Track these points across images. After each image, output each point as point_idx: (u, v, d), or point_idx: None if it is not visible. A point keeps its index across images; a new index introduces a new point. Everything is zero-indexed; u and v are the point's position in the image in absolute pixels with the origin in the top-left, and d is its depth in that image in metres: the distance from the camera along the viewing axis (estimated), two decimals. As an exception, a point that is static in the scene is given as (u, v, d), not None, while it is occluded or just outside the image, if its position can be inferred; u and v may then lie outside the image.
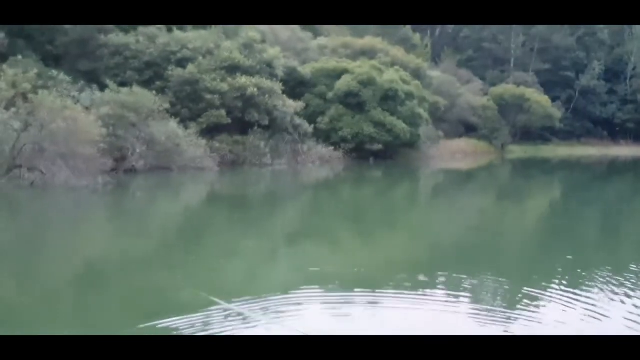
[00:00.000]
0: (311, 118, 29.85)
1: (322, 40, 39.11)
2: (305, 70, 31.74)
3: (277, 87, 26.52)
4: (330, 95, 31.08)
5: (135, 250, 9.79)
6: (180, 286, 7.19)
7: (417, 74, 37.64)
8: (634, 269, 8.38)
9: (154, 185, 19.62)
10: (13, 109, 17.06)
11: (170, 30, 27.38)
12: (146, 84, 24.21)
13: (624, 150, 60.84)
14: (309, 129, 28.70)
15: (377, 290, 7.09)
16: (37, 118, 16.72)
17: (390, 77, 32.03)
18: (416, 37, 53.95)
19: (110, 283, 7.56)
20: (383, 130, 30.97)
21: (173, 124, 22.34)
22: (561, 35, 67.35)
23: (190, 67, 24.92)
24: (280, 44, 32.32)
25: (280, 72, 28.14)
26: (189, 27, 28.98)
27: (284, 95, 27.14)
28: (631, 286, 7.46)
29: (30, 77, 18.23)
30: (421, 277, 7.94)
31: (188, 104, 25.00)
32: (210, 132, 25.07)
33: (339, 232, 12.43)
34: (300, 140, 28.48)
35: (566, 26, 67.31)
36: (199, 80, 24.80)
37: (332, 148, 30.23)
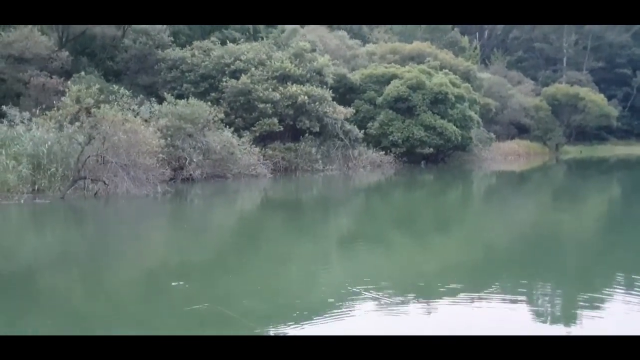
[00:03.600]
0: (361, 123, 30.08)
1: (370, 47, 39.36)
2: (355, 77, 32.01)
3: (327, 94, 26.86)
4: (379, 100, 31.21)
5: (191, 254, 10.23)
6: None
7: (466, 77, 37.32)
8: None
9: (210, 192, 20.22)
10: (77, 124, 17.84)
11: (224, 43, 28.24)
12: (202, 95, 25.05)
13: (688, 148, 58.28)
14: (359, 134, 28.90)
15: (432, 296, 7.18)
16: (99, 131, 17.48)
17: (439, 80, 31.89)
18: (464, 40, 53.47)
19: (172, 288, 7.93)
20: (434, 133, 30.86)
21: (227, 133, 22.96)
22: (615, 32, 65.36)
23: (243, 78, 25.58)
24: (330, 52, 32.73)
25: (329, 80, 28.50)
26: (242, 39, 29.80)
27: (334, 102, 27.46)
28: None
29: (92, 93, 19.04)
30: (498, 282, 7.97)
31: (242, 114, 25.65)
32: (263, 140, 25.64)
33: (395, 236, 12.55)
34: (350, 145, 28.70)
35: (621, 22, 65.26)
36: (251, 90, 25.42)
37: (382, 153, 30.32)
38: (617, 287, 7.50)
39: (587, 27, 63.21)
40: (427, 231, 13.06)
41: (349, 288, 7.35)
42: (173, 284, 7.54)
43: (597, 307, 6.64)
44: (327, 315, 6.31)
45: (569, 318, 6.35)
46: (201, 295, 7.05)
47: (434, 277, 8.15)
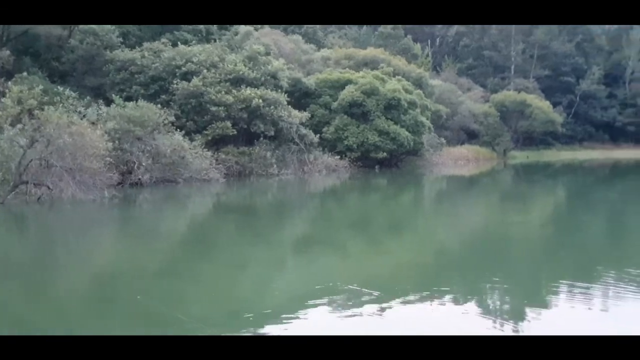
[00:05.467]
0: (316, 128, 30.00)
1: (325, 52, 39.37)
2: (310, 81, 31.89)
3: (282, 98, 26.65)
4: (334, 105, 31.22)
5: (142, 261, 9.84)
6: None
7: (418, 83, 37.82)
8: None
9: (160, 197, 19.67)
10: (19, 126, 17.08)
11: (175, 45, 27.63)
12: (151, 97, 24.41)
13: (626, 153, 60.82)
14: (315, 138, 28.79)
15: (386, 298, 7.11)
16: (43, 134, 16.76)
17: (392, 86, 32.17)
18: (417, 47, 54.24)
19: (120, 294, 7.59)
20: (387, 138, 31.08)
21: (178, 137, 22.42)
22: (559, 42, 67.67)
23: (195, 80, 25.08)
24: (284, 55, 32.52)
25: (284, 84, 28.29)
26: (194, 41, 29.24)
27: (289, 106, 27.27)
28: (635, 289, 7.50)
29: (35, 94, 18.32)
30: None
31: (193, 117, 25.13)
32: (216, 143, 25.18)
33: (349, 240, 12.46)
34: (306, 150, 28.55)
35: (564, 32, 67.67)
36: (203, 92, 24.95)
37: (338, 157, 30.35)
38: (562, 287, 7.61)
39: (534, 36, 65.25)
40: (381, 234, 13.04)
41: (303, 292, 7.25)
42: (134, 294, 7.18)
43: (544, 306, 6.77)
44: (280, 319, 6.21)
45: (518, 317, 6.37)
46: (150, 303, 6.73)
47: (387, 279, 8.13)
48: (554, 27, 69.45)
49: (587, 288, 7.51)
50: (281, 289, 7.93)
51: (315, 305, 6.72)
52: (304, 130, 28.25)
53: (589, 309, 6.67)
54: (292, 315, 6.37)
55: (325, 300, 6.89)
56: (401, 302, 6.86)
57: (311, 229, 14.21)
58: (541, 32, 66.65)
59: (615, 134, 68.36)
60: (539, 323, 6.17)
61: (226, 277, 8.54)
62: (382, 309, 6.56)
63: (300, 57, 35.58)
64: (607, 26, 72.41)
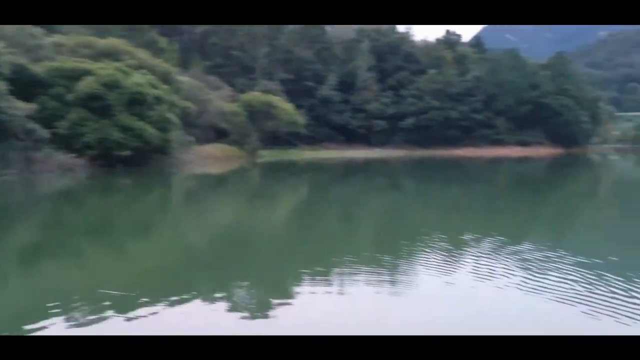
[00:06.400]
0: (48, 122, 26.92)
1: (58, 38, 35.62)
2: (38, 69, 28.48)
3: (2, 86, 23.26)
4: (70, 97, 28.42)
5: None
6: None
7: (165, 79, 36.74)
8: (379, 256, 9.19)
9: None
10: None
11: None
12: None
13: (358, 153, 68.08)
14: (45, 134, 25.82)
15: (129, 306, 6.50)
16: None
17: (137, 80, 30.61)
18: (163, 41, 52.80)
19: None
20: (132, 135, 29.44)
21: None
22: (301, 48, 72.55)
23: None
24: (5, 38, 28.48)
25: (5, 70, 24.75)
26: None
27: (11, 97, 23.93)
28: (365, 271, 8.13)
29: None
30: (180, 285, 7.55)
31: None
32: None
33: (86, 247, 11.26)
34: (34, 146, 25.41)
35: (305, 40, 72.75)
36: None
37: (74, 155, 27.66)
38: (305, 276, 7.90)
39: (279, 40, 68.73)
40: (124, 238, 12.08)
41: (32, 307, 6.53)
42: None
43: (288, 296, 6.96)
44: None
45: (265, 308, 6.39)
46: None
47: (130, 286, 7.44)
48: (297, 34, 74.26)
49: (326, 275, 7.93)
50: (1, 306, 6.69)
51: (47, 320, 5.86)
52: (31, 125, 25.11)
53: (328, 292, 7.08)
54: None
55: (57, 318, 6.05)
56: (144, 308, 6.41)
57: (39, 237, 12.50)
58: (285, 37, 70.65)
59: (349, 136, 75.99)
60: (285, 311, 6.39)
61: None
62: (125, 317, 5.94)
63: (27, 41, 31.56)
64: (343, 37, 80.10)
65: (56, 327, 5.84)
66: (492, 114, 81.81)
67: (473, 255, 9.34)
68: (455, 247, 10.17)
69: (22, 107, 24.15)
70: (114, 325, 5.87)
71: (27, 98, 25.62)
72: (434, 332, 5.65)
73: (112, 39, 38.23)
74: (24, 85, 26.94)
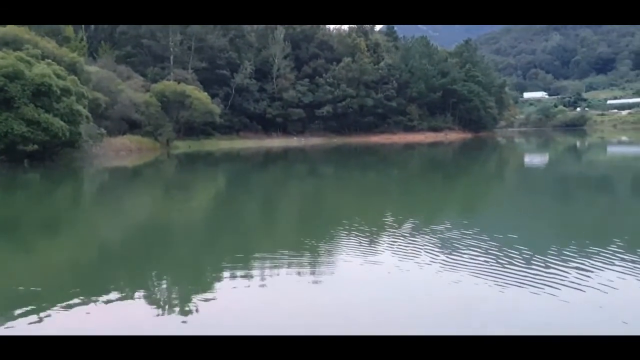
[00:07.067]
0: (-59, 116, 25.09)
1: (-51, 25, 33.14)
2: None
3: None
4: (-34, 89, 26.58)
5: None
6: None
7: (73, 69, 35.11)
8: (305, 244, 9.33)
9: None
10: None
11: None
12: None
13: (276, 142, 68.10)
14: (-60, 129, 24.03)
15: (48, 304, 6.29)
16: None
17: (41, 70, 29.03)
18: (69, 30, 50.33)
19: None
20: (38, 129, 27.96)
21: None
22: (215, 36, 71.24)
23: None
24: None
25: None
26: None
27: None
28: (285, 263, 8.28)
29: None
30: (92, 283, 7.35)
31: None
32: None
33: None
34: None
35: (219, 27, 71.50)
36: None
37: (-27, 151, 25.97)
38: (225, 269, 7.88)
39: (191, 28, 67.11)
40: (33, 236, 11.53)
41: None
42: None
43: (208, 289, 6.96)
44: None
45: (185, 302, 6.34)
46: None
47: (40, 284, 7.20)
48: (209, 22, 72.93)
49: (248, 266, 7.93)
50: None
51: None
52: None
53: (248, 286, 7.01)
54: None
55: None
56: (55, 306, 6.18)
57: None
58: (197, 25, 69.15)
59: (266, 125, 75.72)
60: (208, 307, 6.28)
61: None
62: (41, 316, 5.69)
63: None
64: (256, 25, 79.41)
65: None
66: (405, 100, 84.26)
67: (393, 237, 9.73)
68: (376, 229, 10.54)
69: None
70: (22, 324, 5.67)
71: None
72: (361, 314, 5.89)
73: (13, 26, 35.97)
74: None
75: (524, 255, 7.99)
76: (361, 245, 9.07)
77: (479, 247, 8.61)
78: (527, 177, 23.98)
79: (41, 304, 6.31)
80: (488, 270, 7.29)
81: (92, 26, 65.56)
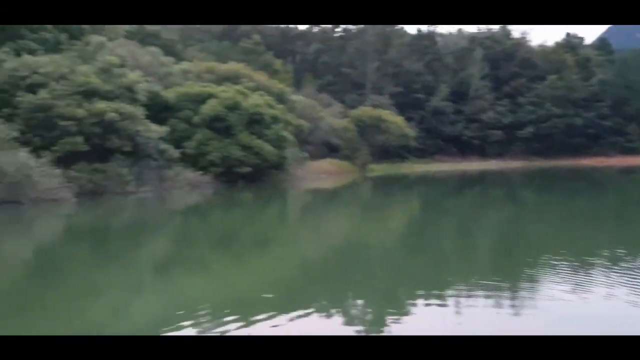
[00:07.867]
0: (177, 143, 29.12)
1: (185, 65, 38.44)
2: (169, 95, 30.93)
3: (140, 112, 25.54)
4: (196, 119, 30.56)
5: None
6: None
7: (280, 98, 38.26)
8: (494, 279, 9.08)
9: (1, 221, 17.82)
10: None
11: (18, 55, 25.41)
12: (-9, 112, 22.21)
13: (472, 165, 66.25)
14: (176, 154, 27.90)
15: (251, 316, 6.97)
16: None
17: (255, 101, 32.23)
18: (278, 63, 55.01)
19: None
20: (251, 153, 30.99)
21: (23, 154, 20.57)
22: (411, 61, 72.20)
23: (42, 93, 23.22)
24: (141, 68, 31.22)
25: (142, 97, 27.14)
26: (40, 51, 27.12)
27: (147, 120, 26.19)
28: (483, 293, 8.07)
29: None
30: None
31: (40, 132, 23.23)
32: (66, 160, 23.42)
33: (213, 259, 12.12)
34: (166, 165, 27.55)
35: (415, 52, 72.40)
36: (51, 106, 23.15)
37: (200, 172, 29.62)
38: (419, 298, 7.93)
39: (388, 55, 69.02)
40: (246, 251, 12.83)
41: (161, 316, 6.95)
42: None
43: (404, 313, 7.06)
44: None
45: (380, 323, 6.53)
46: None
47: (252, 297, 7.98)
48: (406, 47, 74.21)
49: (440, 296, 7.88)
50: (137, 314, 7.45)
51: (178, 330, 6.37)
52: (163, 145, 27.28)
53: (443, 315, 6.98)
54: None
55: (187, 324, 6.56)
56: (266, 321, 6.73)
57: (172, 249, 13.61)
58: (395, 50, 70.82)
59: (462, 147, 74.13)
60: (399, 329, 6.37)
61: (75, 305, 7.85)
62: (244, 328, 6.38)
63: (159, 69, 34.40)
64: (454, 46, 78.78)
65: (186, 331, 6.32)
66: (623, 119, 76.25)
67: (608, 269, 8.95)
68: (587, 263, 9.79)
69: (156, 130, 26.34)
70: (233, 327, 6.34)
71: (159, 121, 27.93)
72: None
73: (233, 63, 40.63)
74: (157, 109, 29.40)
75: None
76: (562, 284, 8.50)
77: None
78: None
79: (248, 312, 6.96)
80: None
81: (298, 58, 70.95)
